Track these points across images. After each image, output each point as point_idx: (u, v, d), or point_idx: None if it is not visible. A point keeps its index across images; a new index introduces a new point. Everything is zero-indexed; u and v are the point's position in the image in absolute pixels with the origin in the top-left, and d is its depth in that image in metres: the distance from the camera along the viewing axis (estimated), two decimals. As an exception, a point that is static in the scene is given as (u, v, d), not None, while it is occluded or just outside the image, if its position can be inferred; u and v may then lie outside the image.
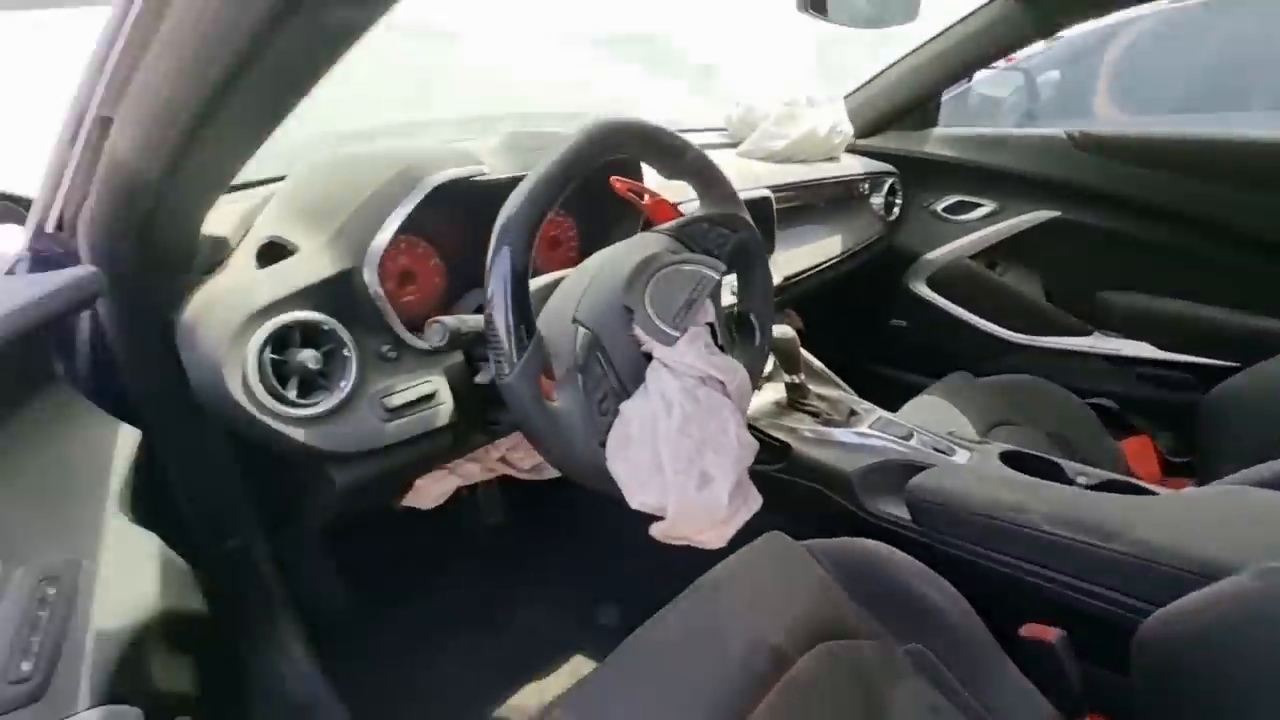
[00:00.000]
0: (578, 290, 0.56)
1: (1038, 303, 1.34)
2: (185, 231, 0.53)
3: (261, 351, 0.52)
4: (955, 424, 1.02)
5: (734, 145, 1.26)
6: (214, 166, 0.45)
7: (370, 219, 0.59)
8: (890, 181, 1.36)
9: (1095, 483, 0.77)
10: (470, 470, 0.88)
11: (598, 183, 0.68)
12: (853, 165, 1.31)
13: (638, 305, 0.54)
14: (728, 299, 0.72)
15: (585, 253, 0.62)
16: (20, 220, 0.59)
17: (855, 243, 1.27)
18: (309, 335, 0.56)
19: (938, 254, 1.40)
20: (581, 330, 0.53)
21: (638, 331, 0.53)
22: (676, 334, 0.53)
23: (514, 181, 0.52)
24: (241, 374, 0.51)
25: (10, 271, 0.53)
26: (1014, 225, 1.31)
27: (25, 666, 0.37)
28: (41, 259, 0.54)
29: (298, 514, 0.70)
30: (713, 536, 0.51)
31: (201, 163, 0.43)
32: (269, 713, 0.72)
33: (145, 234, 0.48)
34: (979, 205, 1.35)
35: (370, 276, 0.58)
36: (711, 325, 0.58)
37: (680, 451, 0.49)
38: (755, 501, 0.53)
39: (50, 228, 0.50)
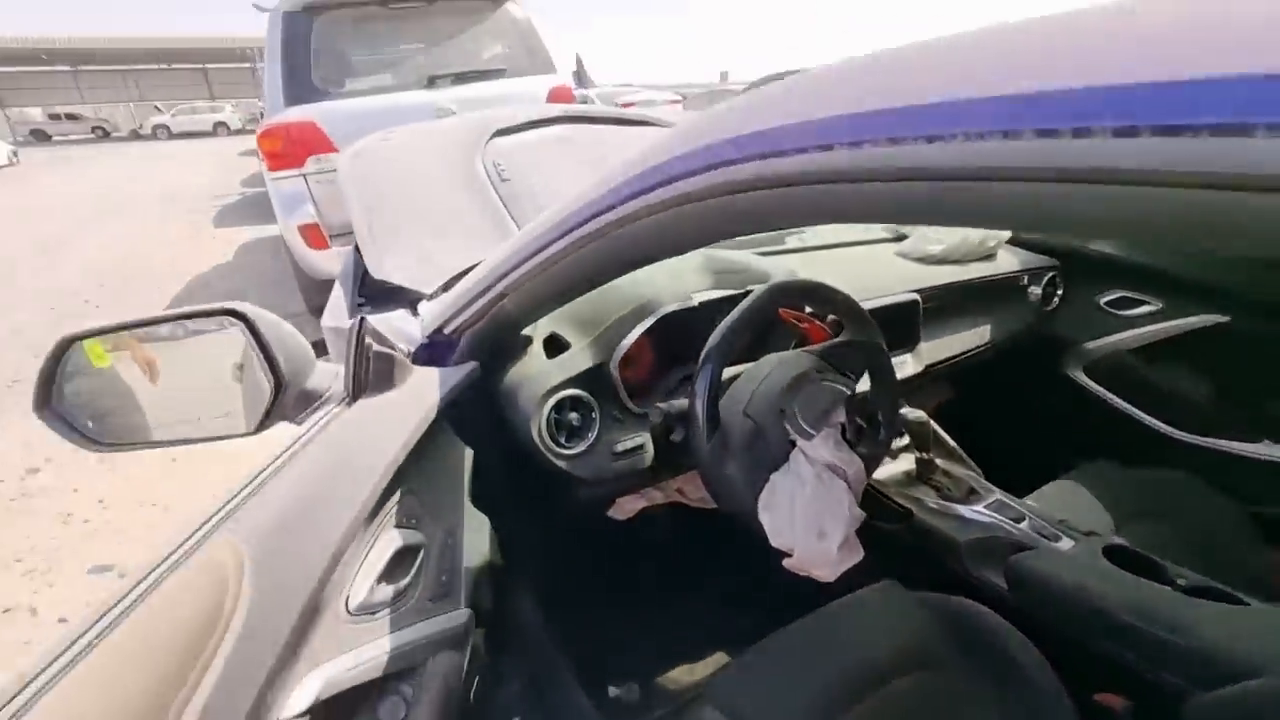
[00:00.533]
0: (749, 389, 0.83)
1: (1201, 403, 1.36)
2: (519, 340, 0.88)
3: (549, 413, 0.85)
4: (1089, 509, 1.12)
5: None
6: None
7: (619, 331, 0.90)
8: (1051, 274, 1.46)
9: (1192, 585, 0.88)
10: (655, 495, 1.18)
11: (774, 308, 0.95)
12: (1009, 261, 1.43)
13: (789, 408, 0.79)
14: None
15: (755, 355, 0.89)
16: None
17: (1005, 333, 1.39)
18: (574, 402, 0.88)
19: (1097, 344, 1.46)
20: (750, 421, 0.79)
21: (788, 427, 0.79)
22: (814, 433, 0.78)
23: (714, 307, 0.80)
24: (539, 426, 0.84)
25: (413, 354, 0.91)
26: (1180, 326, 1.35)
27: (443, 579, 0.71)
28: (431, 346, 0.91)
29: (556, 511, 1.04)
30: (824, 573, 0.75)
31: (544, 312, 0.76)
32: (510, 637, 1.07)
33: (497, 344, 0.83)
34: (1144, 303, 1.40)
35: (614, 368, 0.89)
36: (842, 425, 0.82)
37: (808, 515, 0.74)
38: (858, 553, 0.76)
39: (448, 331, 0.87)
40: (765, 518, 0.75)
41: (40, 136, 28.58)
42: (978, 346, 1.35)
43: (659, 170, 0.49)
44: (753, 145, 0.42)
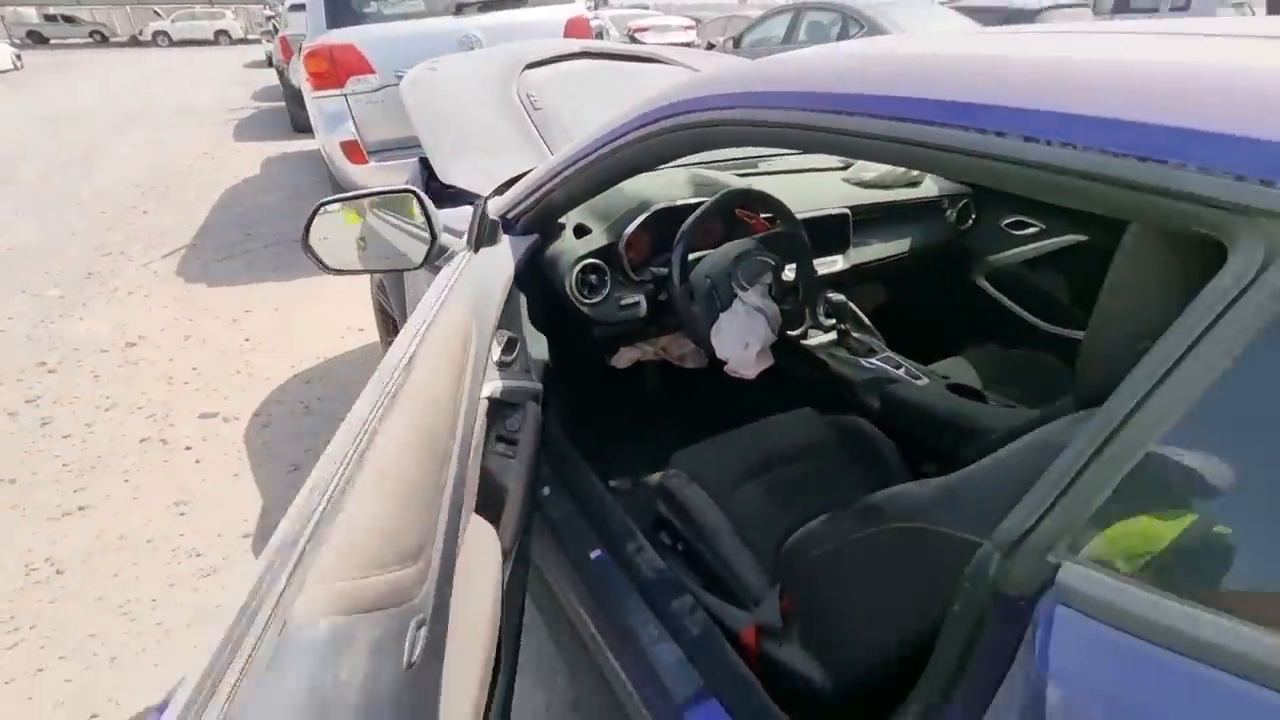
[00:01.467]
0: (710, 262, 1.26)
1: (1065, 302, 1.78)
2: (558, 224, 1.30)
3: (576, 275, 1.28)
4: (966, 375, 1.56)
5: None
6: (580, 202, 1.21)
7: (625, 221, 1.32)
8: (965, 200, 1.85)
9: (1001, 404, 1.33)
10: (646, 350, 1.63)
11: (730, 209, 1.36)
12: (931, 187, 1.82)
13: (734, 272, 1.22)
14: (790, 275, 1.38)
15: (723, 241, 1.32)
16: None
17: (924, 245, 1.80)
18: (594, 269, 1.31)
19: (997, 257, 1.87)
20: (708, 280, 1.23)
21: (732, 284, 1.22)
22: (749, 288, 1.21)
23: (690, 208, 1.22)
24: (570, 284, 1.27)
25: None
26: (1055, 243, 1.76)
27: (526, 363, 1.16)
28: (504, 224, 1.33)
29: (579, 343, 1.48)
30: (747, 373, 1.20)
31: (577, 204, 1.18)
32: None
33: (544, 226, 1.25)
34: (1032, 225, 1.80)
35: (621, 248, 1.31)
36: (769, 285, 1.25)
37: (739, 335, 1.18)
38: (769, 361, 1.21)
39: (510, 216, 1.28)
40: (714, 339, 1.19)
41: (37, 39, 27.87)
42: (898, 254, 1.76)
43: (674, 106, 0.88)
44: (740, 100, 0.81)
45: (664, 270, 1.28)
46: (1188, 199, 0.40)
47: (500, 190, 1.49)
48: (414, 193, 1.11)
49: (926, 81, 0.59)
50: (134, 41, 29.98)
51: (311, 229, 1.08)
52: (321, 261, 1.10)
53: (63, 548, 1.77)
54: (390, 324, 2.31)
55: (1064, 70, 0.53)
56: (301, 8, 7.80)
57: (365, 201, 1.14)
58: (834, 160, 1.91)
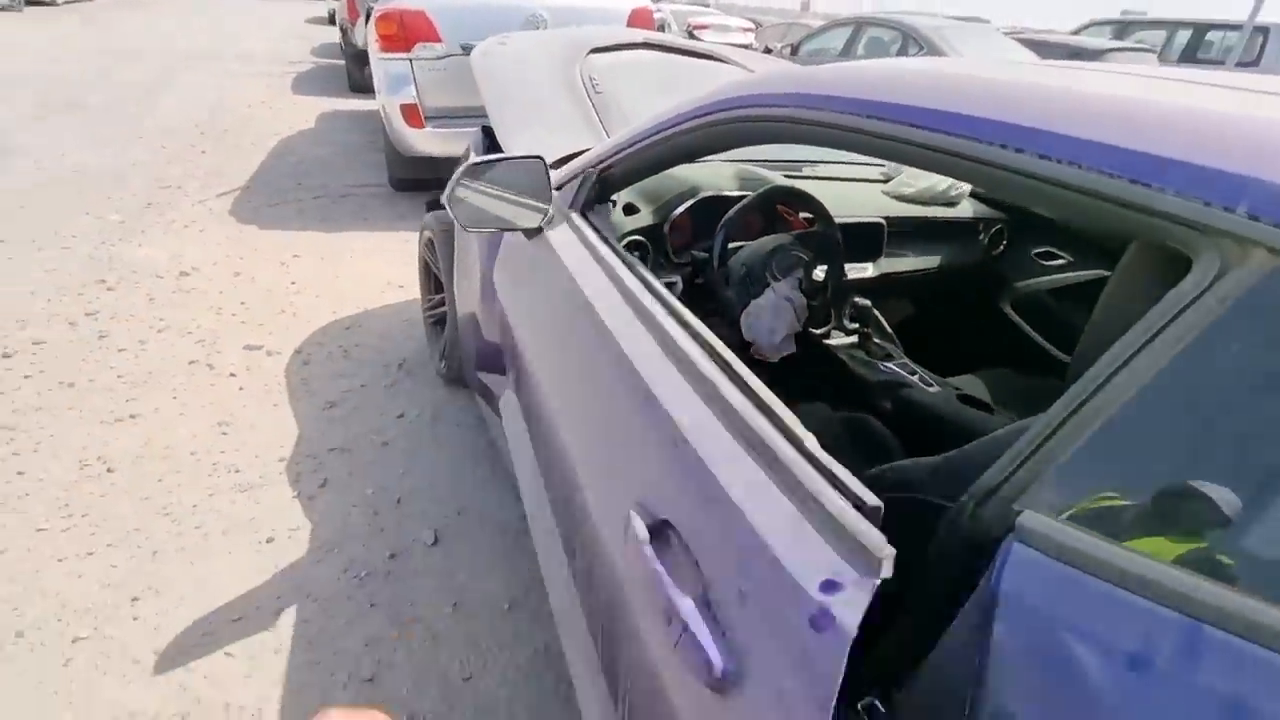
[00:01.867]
0: (748, 251, 1.34)
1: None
2: (609, 203, 1.39)
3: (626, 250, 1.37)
4: (976, 391, 1.64)
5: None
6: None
7: (672, 204, 1.41)
8: (999, 226, 1.91)
9: (1002, 417, 1.40)
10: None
11: (772, 204, 1.45)
12: (968, 210, 1.89)
13: (769, 263, 1.31)
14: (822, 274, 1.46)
15: (761, 234, 1.40)
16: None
17: (954, 264, 1.87)
18: (638, 246, 1.40)
19: (1024, 284, 1.93)
20: (744, 268, 1.31)
21: (766, 274, 1.31)
22: (782, 279, 1.29)
23: (734, 199, 1.30)
24: None
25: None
26: (1079, 276, 1.82)
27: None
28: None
29: None
30: (771, 357, 1.28)
31: (629, 184, 1.27)
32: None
33: (599, 200, 1.35)
34: (1061, 257, 1.86)
35: (666, 229, 1.40)
36: (799, 278, 1.33)
37: (767, 322, 1.27)
38: (791, 348, 1.29)
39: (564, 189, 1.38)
40: (744, 322, 1.28)
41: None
42: (927, 269, 1.83)
43: (735, 99, 0.97)
44: (788, 100, 0.90)
45: (703, 254, 1.37)
46: (1163, 217, 0.48)
47: (558, 164, 1.59)
48: (540, 160, 1.19)
49: (986, 101, 0.66)
50: (202, -15, 30.52)
51: (456, 188, 1.15)
52: (458, 219, 1.17)
53: (114, 449, 1.91)
54: (434, 281, 2.42)
55: (1076, 97, 0.61)
56: (372, -30, 7.95)
57: (493, 169, 1.21)
58: (875, 173, 1.99)
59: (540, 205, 1.21)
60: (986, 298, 2.00)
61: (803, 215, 1.46)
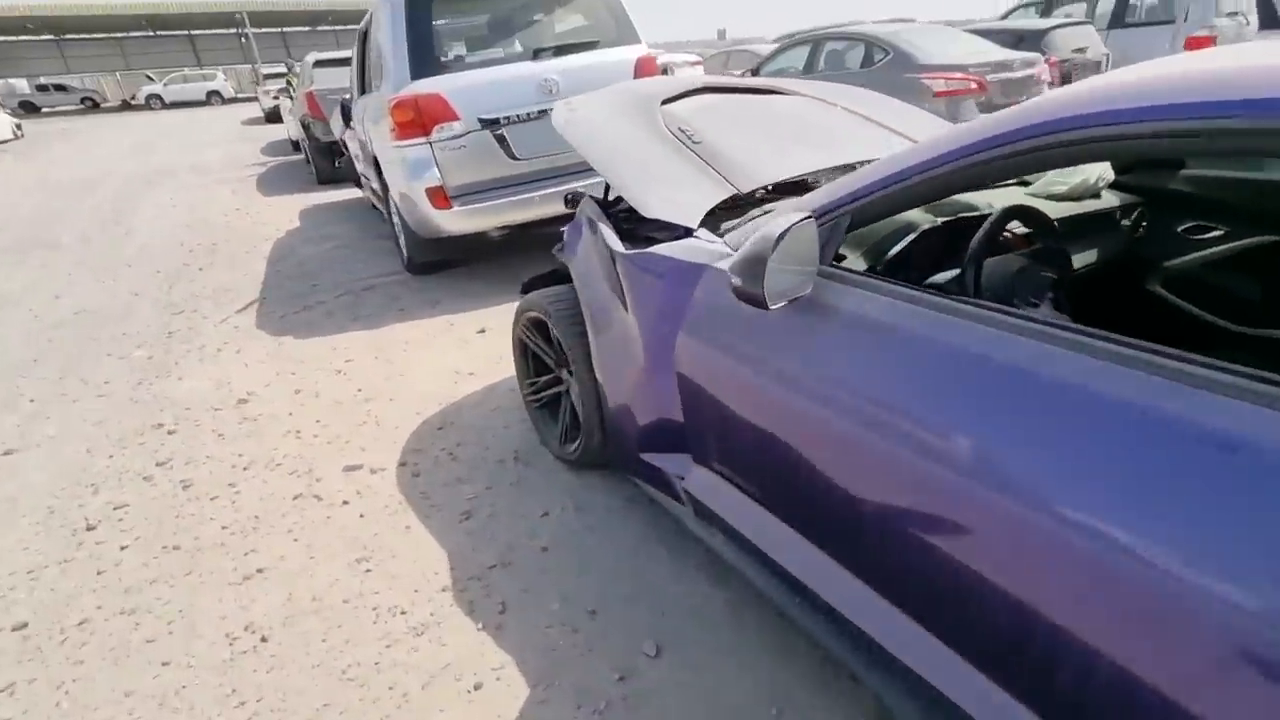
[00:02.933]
0: (995, 278, 1.25)
1: (1253, 301, 1.79)
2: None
3: None
4: None
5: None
6: None
7: (890, 241, 1.32)
8: (1139, 209, 1.87)
9: None
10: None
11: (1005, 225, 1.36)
12: (1110, 199, 1.84)
13: (1015, 286, 1.22)
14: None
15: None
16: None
17: (1104, 254, 1.81)
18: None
19: (1173, 263, 1.88)
20: (993, 296, 1.22)
21: (1016, 300, 1.21)
22: (1039, 304, 1.20)
23: (950, 227, 1.22)
24: None
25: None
26: (1240, 245, 1.77)
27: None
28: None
29: None
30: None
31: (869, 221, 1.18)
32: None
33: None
34: (1213, 229, 1.82)
35: (880, 269, 1.31)
36: (1052, 298, 1.24)
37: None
38: None
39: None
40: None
41: (28, 108, 28.13)
42: (1088, 265, 1.77)
43: (1046, 125, 0.89)
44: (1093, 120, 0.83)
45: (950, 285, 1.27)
46: None
47: (716, 218, 1.52)
48: (812, 219, 1.08)
49: None
50: (125, 106, 30.36)
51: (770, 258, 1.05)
52: (768, 295, 1.06)
53: (256, 614, 1.70)
54: (536, 363, 2.29)
55: None
56: (329, 64, 7.93)
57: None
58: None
59: (805, 269, 1.10)
60: (1135, 283, 1.95)
61: (1019, 232, 1.38)
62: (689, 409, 1.53)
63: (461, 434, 2.45)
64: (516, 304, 2.27)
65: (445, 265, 4.30)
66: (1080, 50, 7.39)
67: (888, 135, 2.16)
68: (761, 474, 1.34)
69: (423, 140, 3.45)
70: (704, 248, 1.48)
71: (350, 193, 7.39)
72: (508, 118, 3.53)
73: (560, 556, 1.82)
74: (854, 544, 1.14)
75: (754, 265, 1.04)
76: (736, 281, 1.08)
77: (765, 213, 1.74)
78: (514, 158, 3.60)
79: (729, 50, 12.08)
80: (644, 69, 3.80)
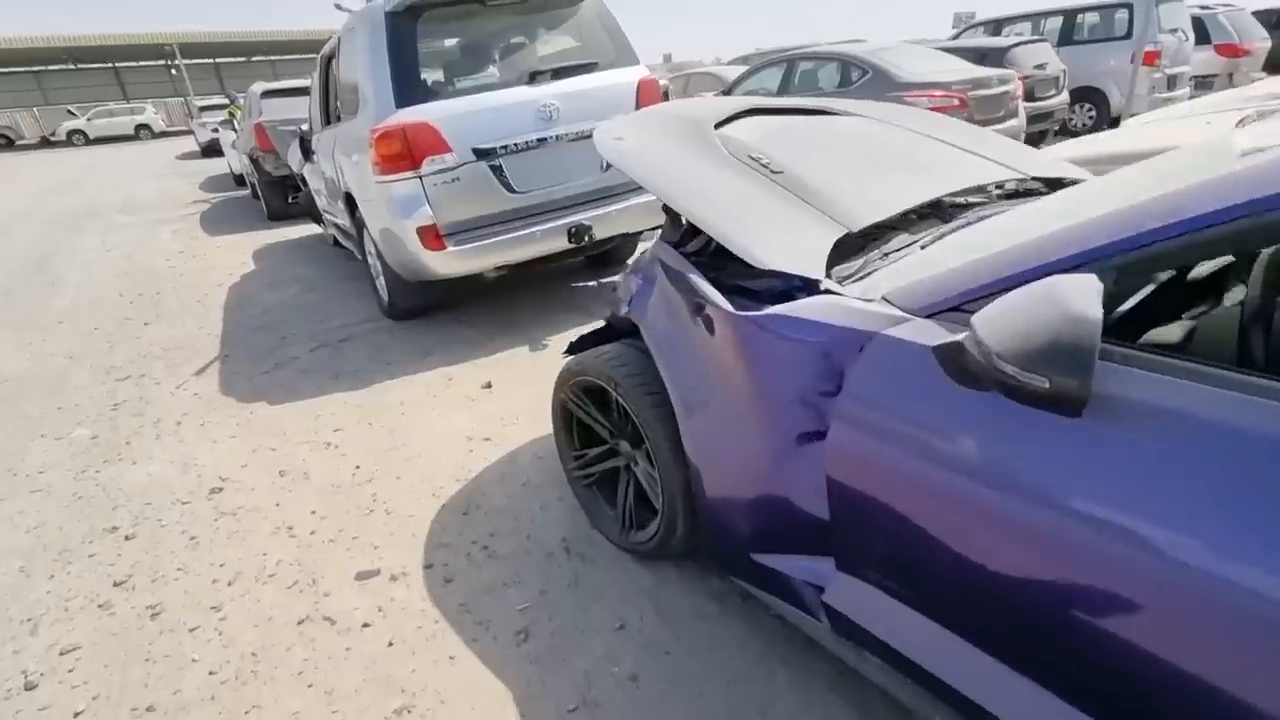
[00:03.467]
0: None
1: None
2: None
3: None
4: None
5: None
6: None
7: None
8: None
9: None
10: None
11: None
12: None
13: None
14: None
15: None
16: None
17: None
18: None
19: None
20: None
21: None
22: None
23: None
24: None
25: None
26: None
27: None
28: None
29: None
30: None
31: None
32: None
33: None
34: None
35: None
36: None
37: None
38: None
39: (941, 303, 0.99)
40: None
41: (-66, 148, 26.22)
42: None
43: None
44: None
45: None
46: None
47: (852, 266, 1.26)
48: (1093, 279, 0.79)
49: None
50: (45, 143, 28.63)
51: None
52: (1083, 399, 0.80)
53: (272, 808, 1.29)
54: (580, 435, 1.95)
55: None
56: (279, 94, 7.45)
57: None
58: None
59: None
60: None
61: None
62: (841, 509, 1.21)
63: (493, 520, 2.07)
64: (562, 365, 1.92)
65: (429, 309, 3.90)
66: (1041, 66, 7.53)
67: (965, 156, 1.92)
68: (957, 593, 1.04)
69: (411, 174, 3.07)
70: (852, 307, 1.18)
71: (307, 229, 6.88)
72: (504, 147, 3.19)
73: (655, 689, 1.46)
74: (1100, 688, 0.85)
75: (1060, 353, 0.74)
76: (1035, 381, 0.78)
77: (884, 255, 1.45)
78: (512, 191, 3.25)
79: (689, 73, 12.01)
80: (646, 91, 3.53)
